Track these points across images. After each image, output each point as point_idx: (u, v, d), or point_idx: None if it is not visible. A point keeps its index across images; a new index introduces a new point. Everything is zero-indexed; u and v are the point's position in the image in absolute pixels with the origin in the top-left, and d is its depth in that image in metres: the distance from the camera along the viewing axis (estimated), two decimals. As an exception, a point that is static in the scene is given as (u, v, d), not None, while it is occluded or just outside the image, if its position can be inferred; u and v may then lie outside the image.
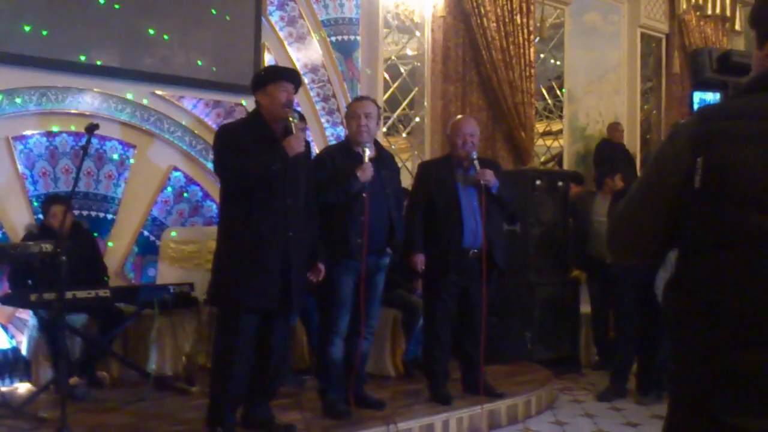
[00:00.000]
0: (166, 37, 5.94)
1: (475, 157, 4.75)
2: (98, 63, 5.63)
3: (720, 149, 1.48)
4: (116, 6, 5.67)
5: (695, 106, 2.30)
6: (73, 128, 5.50)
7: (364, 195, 4.27)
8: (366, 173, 4.28)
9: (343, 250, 4.28)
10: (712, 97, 2.24)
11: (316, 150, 5.19)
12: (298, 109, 4.49)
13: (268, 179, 3.70)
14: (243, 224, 3.71)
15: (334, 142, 6.20)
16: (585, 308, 6.73)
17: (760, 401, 1.42)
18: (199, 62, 6.09)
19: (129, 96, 5.76)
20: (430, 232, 4.77)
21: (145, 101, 5.85)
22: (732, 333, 1.45)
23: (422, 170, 5.06)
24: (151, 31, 5.87)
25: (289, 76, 3.96)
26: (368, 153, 4.33)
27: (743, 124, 1.48)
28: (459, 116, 5.52)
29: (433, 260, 4.74)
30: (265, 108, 3.84)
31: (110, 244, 5.71)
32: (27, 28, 5.33)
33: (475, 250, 4.72)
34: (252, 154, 3.69)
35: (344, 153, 4.42)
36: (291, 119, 3.81)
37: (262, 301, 3.75)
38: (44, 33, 5.40)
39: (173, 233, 5.83)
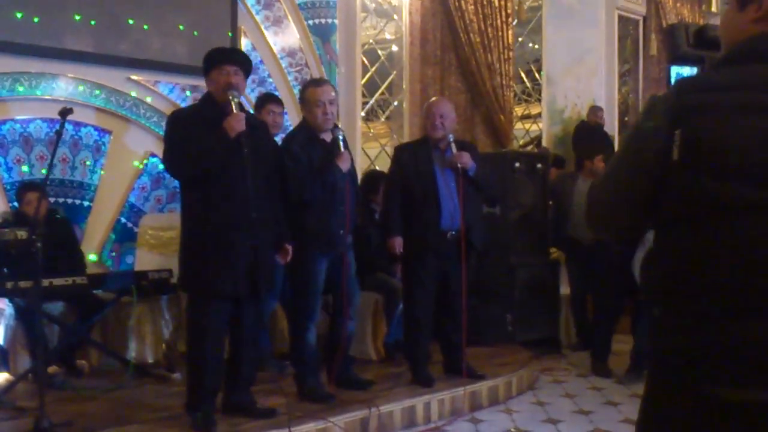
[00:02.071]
0: (146, 27, 5.86)
1: (451, 139, 4.73)
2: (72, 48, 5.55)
3: (698, 121, 1.47)
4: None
5: (672, 81, 2.30)
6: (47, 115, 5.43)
7: (344, 185, 4.25)
8: (346, 163, 4.27)
9: (326, 242, 4.27)
10: (689, 71, 2.25)
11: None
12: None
13: (215, 163, 3.67)
14: (204, 209, 3.68)
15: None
16: (565, 290, 6.76)
17: (742, 371, 1.43)
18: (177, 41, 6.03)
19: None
20: (408, 215, 4.76)
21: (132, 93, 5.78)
22: (712, 304, 1.45)
23: (399, 153, 5.01)
24: (131, 21, 5.80)
25: (226, 58, 3.88)
26: (341, 141, 4.30)
27: (721, 96, 1.48)
28: (433, 98, 5.50)
29: (412, 243, 4.74)
30: (212, 93, 3.83)
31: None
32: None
33: (453, 232, 4.72)
34: (197, 141, 3.65)
35: (311, 142, 4.32)
36: (231, 98, 3.75)
37: (230, 285, 3.73)
38: (18, 16, 5.32)
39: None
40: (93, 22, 5.65)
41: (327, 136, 4.35)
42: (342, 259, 4.34)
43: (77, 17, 5.59)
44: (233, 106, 3.74)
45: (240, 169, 3.70)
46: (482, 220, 5.07)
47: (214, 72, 3.80)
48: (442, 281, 4.81)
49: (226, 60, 3.85)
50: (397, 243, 4.73)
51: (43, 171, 5.22)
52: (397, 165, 4.92)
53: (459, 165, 4.63)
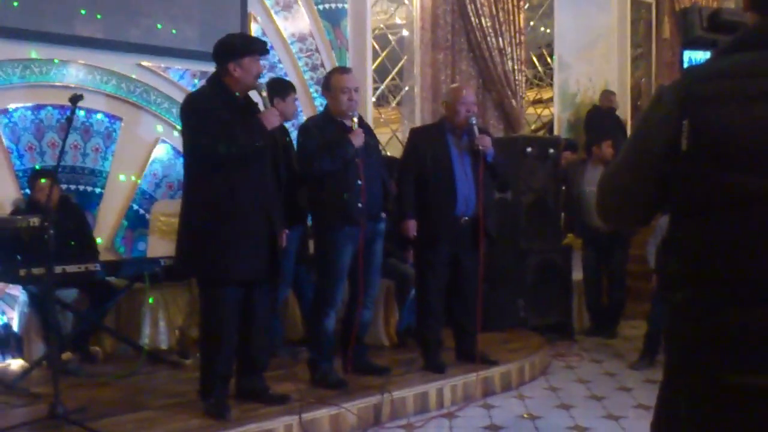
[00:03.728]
0: (159, 26, 5.85)
1: (474, 122, 4.72)
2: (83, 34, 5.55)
3: (706, 110, 1.46)
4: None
5: (685, 65, 2.27)
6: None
7: (357, 161, 4.26)
8: (359, 138, 4.30)
9: (344, 215, 4.27)
10: (702, 55, 2.21)
11: (304, 118, 5.15)
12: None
13: (251, 154, 3.70)
14: (227, 195, 3.66)
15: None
16: (577, 275, 6.74)
17: (758, 357, 1.42)
18: (174, 31, 6.00)
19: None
20: (422, 199, 4.74)
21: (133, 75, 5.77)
22: (726, 293, 1.44)
23: (414, 136, 5.00)
24: (132, 13, 5.79)
25: (264, 49, 3.90)
26: (356, 120, 4.33)
27: (728, 84, 1.46)
28: (456, 84, 5.48)
29: (425, 228, 4.72)
30: (235, 79, 3.77)
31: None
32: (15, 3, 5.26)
33: (467, 218, 4.70)
34: (235, 127, 3.65)
35: (328, 124, 4.40)
36: (262, 93, 3.84)
37: (249, 271, 3.75)
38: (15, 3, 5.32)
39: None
40: (99, 16, 5.64)
41: (347, 122, 4.37)
42: (361, 244, 4.33)
43: (83, 11, 5.57)
44: (266, 99, 3.83)
45: (261, 157, 3.76)
46: (494, 206, 5.05)
47: (246, 60, 3.76)
48: (455, 267, 4.80)
49: (262, 50, 3.86)
50: (411, 226, 4.71)
51: (55, 158, 5.23)
52: (412, 148, 4.90)
53: (481, 147, 4.62)
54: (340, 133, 4.31)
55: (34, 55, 5.39)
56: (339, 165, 4.25)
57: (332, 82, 4.44)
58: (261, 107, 3.89)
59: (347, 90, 4.36)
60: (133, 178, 5.86)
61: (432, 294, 4.79)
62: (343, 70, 4.67)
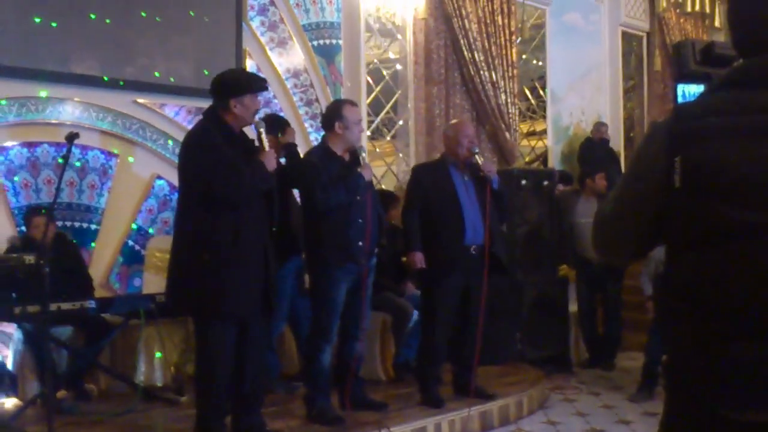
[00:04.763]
0: (142, 56, 5.89)
1: (477, 151, 4.77)
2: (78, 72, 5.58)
3: (697, 147, 1.48)
4: (107, 21, 5.64)
5: (679, 98, 2.30)
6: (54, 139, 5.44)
7: (360, 197, 4.27)
8: (368, 172, 4.32)
9: (345, 253, 4.25)
10: (695, 89, 2.24)
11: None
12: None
13: (263, 190, 3.74)
14: (230, 236, 3.65)
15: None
16: (573, 307, 6.73)
17: (754, 392, 1.42)
18: (172, 79, 6.05)
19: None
20: (430, 233, 4.74)
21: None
22: (723, 327, 1.44)
23: (417, 172, 5.07)
24: (127, 50, 5.83)
25: (264, 87, 3.95)
26: (364, 154, 4.37)
27: (719, 121, 1.48)
28: (455, 120, 5.56)
29: (437, 259, 4.71)
30: (234, 115, 3.78)
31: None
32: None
33: (476, 246, 4.71)
34: (242, 166, 3.68)
35: (329, 158, 4.35)
36: (261, 131, 3.86)
37: (247, 309, 3.74)
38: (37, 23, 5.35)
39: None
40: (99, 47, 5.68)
41: (345, 155, 4.38)
42: (362, 282, 4.33)
43: (82, 42, 5.61)
44: (264, 139, 3.86)
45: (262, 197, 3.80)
46: (502, 235, 5.07)
47: (248, 97, 3.77)
48: (463, 298, 4.79)
49: (263, 88, 3.91)
50: (419, 258, 4.71)
51: (51, 195, 5.22)
52: (416, 182, 4.93)
53: (487, 173, 4.66)
54: (343, 169, 4.31)
55: (43, 94, 5.43)
56: (351, 198, 4.24)
57: (346, 114, 4.37)
58: (256, 143, 3.90)
59: (358, 121, 4.42)
60: (128, 214, 5.85)
61: (439, 328, 4.77)
62: (351, 102, 4.61)
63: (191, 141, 3.81)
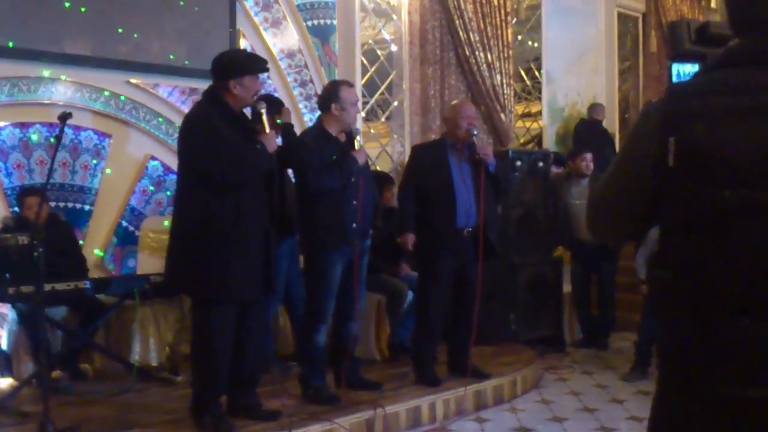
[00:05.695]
0: (135, 35, 5.84)
1: (476, 133, 4.75)
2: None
3: (691, 127, 1.47)
4: (82, 9, 5.58)
5: (674, 78, 2.30)
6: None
7: (354, 179, 4.27)
8: (362, 156, 4.32)
9: (339, 235, 4.25)
10: (690, 68, 2.24)
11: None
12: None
13: (262, 172, 3.73)
14: (233, 218, 3.64)
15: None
16: (568, 287, 6.75)
17: (749, 369, 1.43)
18: (171, 57, 6.00)
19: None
20: (424, 213, 4.76)
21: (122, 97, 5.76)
22: (717, 305, 1.45)
23: (416, 152, 5.10)
24: (120, 30, 5.77)
25: (265, 68, 3.91)
26: (359, 138, 4.36)
27: (713, 101, 1.48)
28: (456, 101, 5.56)
29: (428, 241, 4.73)
30: (234, 96, 3.75)
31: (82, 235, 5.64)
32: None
33: (469, 229, 4.71)
34: (243, 147, 3.67)
35: (325, 140, 4.33)
36: (262, 112, 3.82)
37: (249, 290, 3.75)
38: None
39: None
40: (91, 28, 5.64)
41: (341, 136, 4.37)
42: (356, 263, 4.33)
43: (74, 24, 5.56)
44: (264, 120, 3.82)
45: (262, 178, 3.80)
46: (496, 219, 5.07)
47: (248, 78, 3.75)
48: (458, 279, 4.80)
49: (264, 69, 3.87)
50: (409, 239, 4.74)
51: (43, 176, 5.20)
52: (413, 163, 4.96)
53: (482, 156, 4.64)
54: (339, 150, 4.30)
55: (46, 74, 5.40)
56: (344, 182, 4.23)
57: (343, 95, 4.34)
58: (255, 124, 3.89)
59: (353, 103, 4.37)
60: (122, 195, 5.83)
61: (433, 308, 4.79)
62: (348, 83, 4.58)
63: (191, 122, 3.78)
